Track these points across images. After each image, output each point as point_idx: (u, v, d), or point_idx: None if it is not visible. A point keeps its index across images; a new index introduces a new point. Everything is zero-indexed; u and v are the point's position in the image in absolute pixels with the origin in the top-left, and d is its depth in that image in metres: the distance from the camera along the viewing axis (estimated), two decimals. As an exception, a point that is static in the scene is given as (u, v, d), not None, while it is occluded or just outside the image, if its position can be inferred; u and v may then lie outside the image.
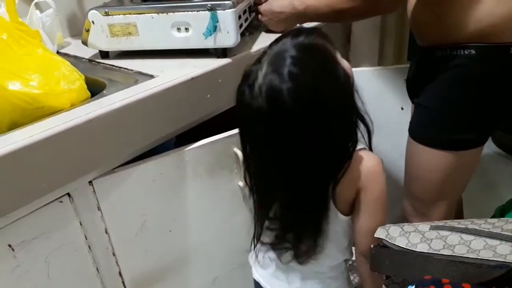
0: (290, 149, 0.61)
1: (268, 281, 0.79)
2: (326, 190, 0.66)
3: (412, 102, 0.90)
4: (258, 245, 0.76)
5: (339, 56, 0.66)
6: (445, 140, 0.81)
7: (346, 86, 0.63)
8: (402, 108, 1.12)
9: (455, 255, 0.47)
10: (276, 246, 0.72)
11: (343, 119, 0.63)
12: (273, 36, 0.96)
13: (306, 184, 0.65)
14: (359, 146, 0.68)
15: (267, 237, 0.75)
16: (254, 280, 0.81)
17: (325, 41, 0.65)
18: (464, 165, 0.84)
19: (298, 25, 1.00)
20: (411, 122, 0.88)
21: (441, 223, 0.53)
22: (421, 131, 0.85)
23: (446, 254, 0.48)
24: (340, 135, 0.63)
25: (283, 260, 0.74)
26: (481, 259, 0.45)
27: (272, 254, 0.76)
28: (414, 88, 0.87)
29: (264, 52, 0.63)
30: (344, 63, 0.67)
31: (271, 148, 0.63)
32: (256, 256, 0.79)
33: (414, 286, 0.44)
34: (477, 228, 0.51)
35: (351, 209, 0.71)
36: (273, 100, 0.58)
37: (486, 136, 0.83)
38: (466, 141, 0.81)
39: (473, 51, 0.73)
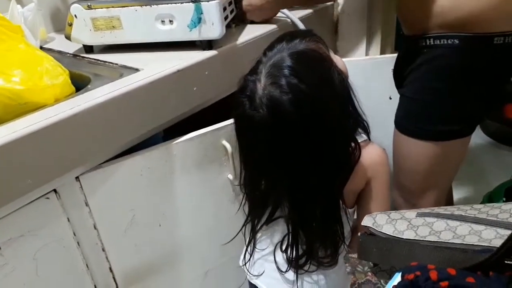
0: (294, 157, 0.62)
1: (268, 282, 0.78)
2: (334, 191, 0.67)
3: (398, 92, 0.90)
4: (253, 251, 0.77)
5: (332, 55, 0.67)
6: (430, 131, 0.81)
7: (343, 89, 0.64)
8: (390, 98, 1.12)
9: (441, 241, 0.47)
10: (288, 254, 0.72)
11: (343, 122, 0.64)
12: (260, 27, 0.96)
13: (313, 188, 0.65)
14: (361, 139, 0.69)
15: (263, 243, 0.76)
16: (250, 283, 0.81)
17: (319, 43, 0.65)
18: (451, 155, 0.84)
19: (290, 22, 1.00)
20: (396, 114, 0.88)
21: (427, 210, 0.54)
22: (406, 122, 0.85)
23: (432, 240, 0.48)
24: (342, 138, 0.64)
25: (290, 265, 0.73)
26: (466, 244, 0.46)
27: (270, 257, 0.76)
28: (400, 78, 0.88)
29: (258, 61, 0.63)
30: (338, 60, 0.68)
31: (274, 156, 0.64)
32: (253, 262, 0.79)
33: (400, 273, 0.44)
34: (463, 214, 0.52)
35: (355, 200, 0.72)
36: (275, 111, 0.59)
37: (472, 127, 0.83)
38: (451, 132, 0.81)
39: (456, 41, 0.73)
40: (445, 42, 0.73)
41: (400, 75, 0.87)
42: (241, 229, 0.77)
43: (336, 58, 0.68)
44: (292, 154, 0.62)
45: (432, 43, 0.75)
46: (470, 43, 0.72)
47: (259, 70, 0.61)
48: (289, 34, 0.66)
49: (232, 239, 0.79)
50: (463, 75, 0.75)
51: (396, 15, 0.87)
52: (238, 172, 0.81)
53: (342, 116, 0.64)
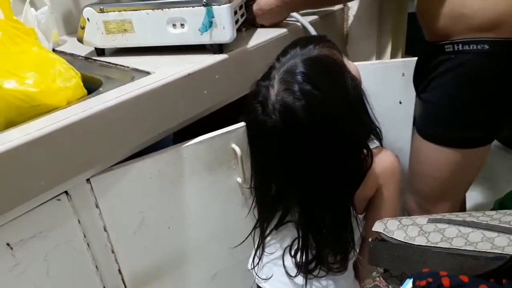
0: (306, 162, 0.62)
1: (276, 286, 0.78)
2: (345, 197, 0.66)
3: (419, 98, 0.89)
4: (262, 255, 0.77)
5: (346, 61, 0.67)
6: (454, 138, 0.79)
7: (356, 95, 0.64)
8: (401, 102, 1.12)
9: (453, 248, 0.47)
10: (297, 258, 0.72)
11: (356, 129, 0.64)
12: (270, 30, 0.97)
13: (325, 195, 0.65)
14: (373, 145, 0.68)
15: (272, 247, 0.76)
16: (259, 287, 0.81)
17: (332, 48, 0.65)
18: (472, 162, 0.83)
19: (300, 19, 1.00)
20: (418, 119, 0.87)
21: (439, 216, 0.53)
22: (429, 128, 0.83)
23: (444, 246, 0.48)
24: (354, 144, 0.64)
25: (298, 269, 0.73)
26: (478, 251, 0.45)
27: (279, 261, 0.75)
28: (422, 83, 0.86)
29: (272, 67, 0.63)
30: (351, 66, 0.68)
31: (286, 162, 0.64)
32: (262, 266, 0.79)
33: (412, 279, 0.44)
34: (475, 220, 0.51)
35: (365, 206, 0.71)
36: (288, 117, 0.59)
37: (495, 134, 0.82)
38: (475, 139, 0.80)
39: (486, 46, 0.70)
40: (474, 48, 0.71)
41: (422, 81, 0.86)
42: (250, 234, 0.77)
43: (349, 64, 0.67)
44: (303, 159, 0.61)
45: (460, 48, 0.73)
46: (500, 48, 0.70)
47: (272, 76, 0.61)
48: (303, 39, 0.66)
49: (241, 243, 0.79)
50: (491, 82, 0.73)
51: (419, 22, 0.85)
52: (247, 175, 0.81)
53: (355, 123, 0.64)
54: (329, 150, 0.61)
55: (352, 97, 0.63)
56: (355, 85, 0.63)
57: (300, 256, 0.70)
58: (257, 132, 0.65)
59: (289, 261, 0.74)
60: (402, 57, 1.41)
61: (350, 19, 1.30)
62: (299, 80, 0.58)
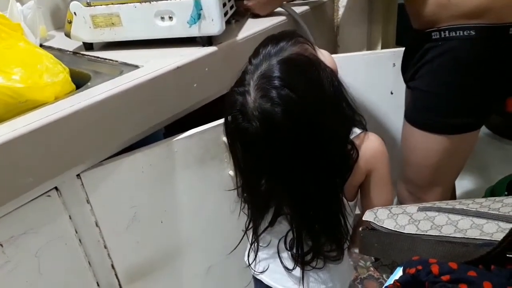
0: (290, 164, 0.62)
1: (270, 275, 0.78)
2: (336, 192, 0.66)
3: (408, 86, 0.89)
4: (258, 250, 0.77)
5: (319, 53, 0.66)
6: (443, 124, 0.80)
7: (335, 90, 0.63)
8: (392, 93, 1.12)
9: (443, 235, 0.47)
10: (293, 252, 0.72)
11: (338, 126, 0.64)
12: (260, 22, 0.96)
13: (313, 193, 0.65)
14: (358, 131, 0.68)
15: (267, 240, 0.76)
16: (255, 279, 0.81)
17: (304, 44, 0.64)
18: (461, 148, 0.84)
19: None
20: (407, 107, 0.87)
21: (429, 204, 0.54)
22: (418, 115, 0.84)
23: (434, 234, 0.48)
24: (337, 141, 0.64)
25: (293, 261, 0.73)
26: (467, 238, 0.46)
27: (275, 254, 0.76)
28: (410, 72, 0.86)
29: (244, 71, 0.62)
30: (326, 57, 0.67)
31: (270, 166, 0.63)
32: (258, 260, 0.79)
33: (402, 268, 0.44)
34: (464, 208, 0.51)
35: (356, 193, 0.72)
36: (267, 123, 0.58)
37: (484, 119, 0.83)
38: (464, 125, 0.80)
39: (472, 32, 0.72)
40: (460, 34, 0.72)
41: (410, 69, 0.86)
42: (243, 237, 0.77)
43: (323, 55, 0.66)
44: (288, 161, 0.61)
45: (447, 35, 0.74)
46: (486, 33, 0.71)
47: (246, 82, 0.60)
48: (273, 38, 0.64)
49: (234, 249, 0.78)
50: (477, 67, 0.74)
51: (407, 10, 0.85)
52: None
53: (336, 119, 0.63)
54: (312, 149, 0.60)
55: (330, 93, 0.62)
56: (332, 80, 0.63)
57: (296, 249, 0.70)
58: (240, 140, 0.64)
59: (285, 253, 0.74)
60: (393, 47, 1.41)
61: (340, 10, 1.30)
62: (275, 85, 0.57)
